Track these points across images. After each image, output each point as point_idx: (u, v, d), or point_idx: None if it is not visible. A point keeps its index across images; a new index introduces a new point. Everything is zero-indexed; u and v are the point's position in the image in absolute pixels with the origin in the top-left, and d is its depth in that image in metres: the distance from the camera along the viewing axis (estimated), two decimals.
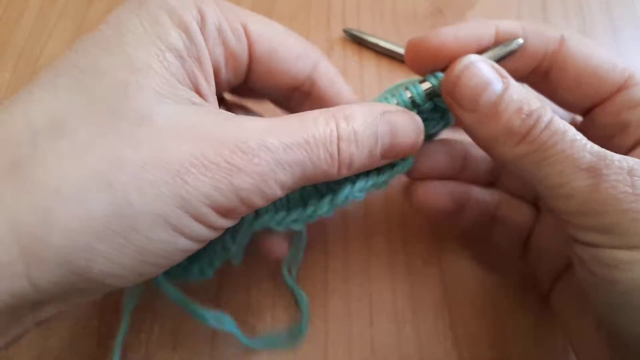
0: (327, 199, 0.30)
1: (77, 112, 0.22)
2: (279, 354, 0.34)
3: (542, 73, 0.30)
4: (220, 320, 0.32)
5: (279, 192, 0.25)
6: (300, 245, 0.35)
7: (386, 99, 0.29)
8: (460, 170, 0.34)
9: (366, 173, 0.30)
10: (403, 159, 0.30)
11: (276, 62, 0.30)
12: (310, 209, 0.30)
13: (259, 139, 0.23)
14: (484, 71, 0.26)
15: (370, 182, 0.30)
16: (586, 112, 0.30)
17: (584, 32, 0.48)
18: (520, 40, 0.29)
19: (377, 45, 0.46)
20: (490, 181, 0.35)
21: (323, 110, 0.26)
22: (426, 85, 0.29)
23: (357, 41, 0.47)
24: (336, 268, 0.37)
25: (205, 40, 0.26)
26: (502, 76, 0.26)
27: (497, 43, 0.29)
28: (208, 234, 0.24)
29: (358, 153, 0.26)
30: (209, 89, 0.26)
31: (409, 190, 0.34)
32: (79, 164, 0.21)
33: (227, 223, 0.25)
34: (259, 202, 0.24)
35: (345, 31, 0.47)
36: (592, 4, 0.49)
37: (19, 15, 0.49)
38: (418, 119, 0.29)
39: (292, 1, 0.49)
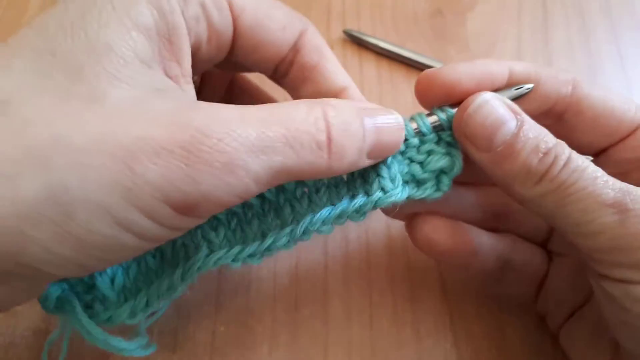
0: (286, 230, 0.28)
1: (26, 92, 0.20)
2: (279, 356, 0.34)
3: (555, 115, 0.29)
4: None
5: (252, 187, 0.22)
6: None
7: None
8: (460, 213, 0.32)
9: (332, 200, 0.28)
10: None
11: (261, 34, 0.29)
12: (268, 241, 0.28)
13: (226, 123, 0.21)
14: (498, 109, 0.26)
15: (337, 210, 0.27)
16: (600, 152, 0.30)
17: (584, 33, 0.48)
18: (532, 85, 0.28)
19: (376, 46, 0.46)
20: (494, 226, 0.33)
21: (305, 100, 0.24)
22: (433, 119, 0.28)
23: (357, 42, 0.47)
24: (336, 270, 0.37)
25: (186, 17, 0.25)
26: (516, 113, 0.26)
27: (509, 84, 0.28)
28: (163, 233, 0.22)
29: (350, 145, 0.24)
30: (180, 70, 0.25)
31: (410, 226, 0.32)
32: (16, 142, 0.19)
33: (189, 222, 0.22)
34: (226, 198, 0.21)
35: (345, 32, 0.47)
36: (592, 5, 0.49)
37: (20, 15, 0.49)
38: (400, 118, 0.27)
39: (292, 2, 0.49)
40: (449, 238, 0.30)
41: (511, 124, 0.25)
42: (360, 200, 0.27)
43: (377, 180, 0.28)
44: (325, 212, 0.27)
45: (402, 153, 0.29)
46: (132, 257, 0.22)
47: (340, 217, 0.28)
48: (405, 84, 0.45)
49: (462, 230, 0.31)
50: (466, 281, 0.36)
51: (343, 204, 0.28)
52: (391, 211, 0.31)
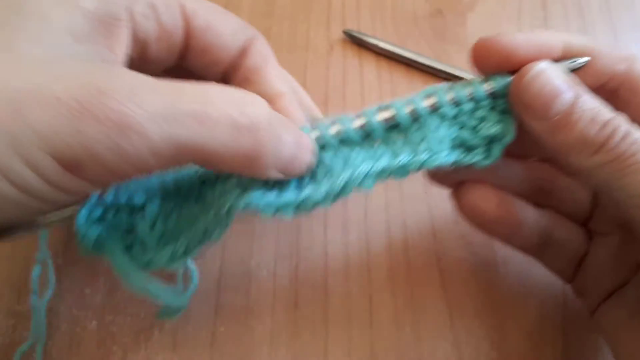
0: (325, 184, 0.27)
1: None
2: (279, 355, 0.34)
3: (609, 91, 0.29)
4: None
5: (148, 157, 0.20)
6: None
7: (440, 94, 0.28)
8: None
9: (369, 159, 0.28)
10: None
11: (212, 37, 0.29)
12: (305, 193, 0.27)
13: (134, 88, 0.20)
14: (556, 79, 0.26)
15: (379, 165, 0.27)
16: None
17: (584, 33, 0.48)
18: (587, 58, 0.28)
19: (376, 46, 0.46)
20: (537, 202, 0.33)
21: (240, 89, 0.24)
22: (489, 85, 0.28)
23: (357, 42, 0.47)
24: (336, 270, 0.37)
25: (133, 12, 0.25)
26: (573, 85, 0.26)
27: (565, 57, 0.28)
28: (51, 192, 0.20)
29: (272, 146, 0.23)
30: (114, 59, 0.25)
31: (457, 193, 0.32)
32: None
33: (79, 185, 0.21)
34: (114, 161, 0.20)
35: (345, 32, 0.47)
36: (592, 5, 0.49)
37: None
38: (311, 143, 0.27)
39: (292, 3, 0.49)
40: (496, 208, 0.30)
41: (568, 94, 0.26)
42: (405, 157, 0.27)
43: (425, 140, 0.28)
44: (366, 166, 0.27)
45: (454, 117, 0.29)
46: (17, 214, 0.21)
47: (382, 173, 0.28)
48: (405, 84, 0.45)
49: (509, 201, 0.31)
50: (466, 281, 0.36)
51: (385, 161, 0.27)
52: (436, 176, 0.31)
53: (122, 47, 0.25)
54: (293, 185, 0.28)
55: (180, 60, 0.30)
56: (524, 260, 0.36)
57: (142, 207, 0.29)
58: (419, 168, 0.28)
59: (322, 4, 0.49)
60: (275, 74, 0.31)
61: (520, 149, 0.30)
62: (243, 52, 0.31)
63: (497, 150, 0.29)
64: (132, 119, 0.19)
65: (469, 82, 0.29)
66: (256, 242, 0.38)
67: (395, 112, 0.28)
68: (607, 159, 0.25)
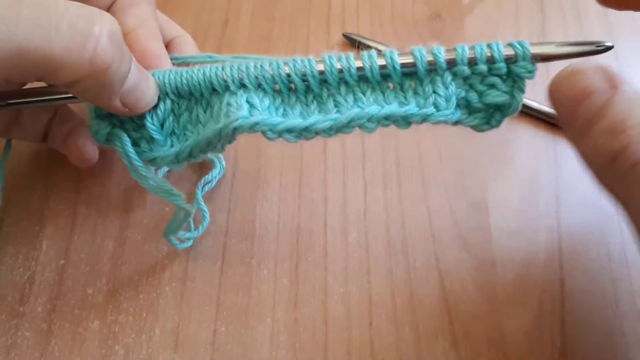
0: (331, 116, 0.28)
1: None
2: (280, 355, 0.34)
3: None
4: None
5: None
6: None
7: (459, 51, 0.28)
8: None
9: (379, 103, 0.29)
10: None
11: None
12: (311, 119, 0.28)
13: None
14: (592, 77, 0.23)
15: (385, 111, 0.28)
16: None
17: (581, 37, 0.48)
18: (611, 45, 0.26)
19: (376, 49, 0.46)
20: None
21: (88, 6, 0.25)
22: (509, 51, 0.28)
23: (356, 45, 0.47)
24: (336, 270, 0.37)
25: None
26: (612, 85, 0.23)
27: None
28: None
29: (117, 65, 0.24)
30: None
31: None
32: None
33: None
34: None
35: (345, 35, 0.47)
36: (589, 9, 0.50)
37: None
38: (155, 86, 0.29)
39: (292, 6, 0.50)
40: None
41: (601, 96, 0.23)
42: (411, 108, 0.28)
43: (432, 96, 0.28)
44: (374, 109, 0.28)
45: (465, 78, 0.29)
46: None
47: (387, 119, 0.29)
48: None
49: None
50: (465, 281, 0.37)
51: (392, 107, 0.28)
52: None
53: None
54: (298, 111, 0.29)
55: None
56: (522, 260, 0.36)
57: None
58: (422, 121, 0.29)
59: (322, 7, 0.50)
60: (136, 12, 0.32)
61: None
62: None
63: (497, 119, 0.29)
64: None
65: (489, 45, 0.28)
66: (257, 241, 0.38)
67: (414, 60, 0.28)
68: (616, 178, 0.22)
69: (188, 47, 0.37)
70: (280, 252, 0.38)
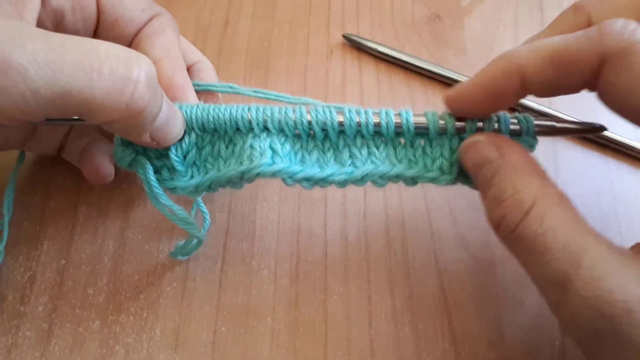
0: (347, 169, 0.30)
1: None
2: (280, 355, 0.34)
3: None
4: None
5: (31, 100, 0.22)
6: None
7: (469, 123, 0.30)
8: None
9: (390, 159, 0.31)
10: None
11: (121, 11, 0.31)
12: (328, 171, 0.30)
13: (18, 32, 0.21)
14: (485, 147, 0.27)
15: (395, 170, 0.31)
16: None
17: None
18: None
19: (375, 50, 0.46)
20: None
21: (132, 49, 0.26)
22: (514, 125, 0.30)
23: (356, 46, 0.47)
24: (336, 270, 0.37)
25: None
26: (502, 154, 0.26)
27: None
28: None
29: (153, 104, 0.26)
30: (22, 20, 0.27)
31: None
32: None
33: None
34: None
35: (345, 36, 0.48)
36: None
37: None
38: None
39: (293, 7, 0.50)
40: None
41: (490, 167, 0.26)
42: (418, 170, 0.30)
43: (440, 159, 0.30)
44: (385, 167, 0.30)
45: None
46: None
47: (397, 178, 0.31)
48: (403, 88, 0.46)
49: None
50: (464, 281, 0.37)
51: (401, 167, 0.30)
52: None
53: (32, 13, 0.26)
54: (315, 157, 0.31)
55: (96, 33, 0.32)
56: None
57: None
58: (430, 182, 0.31)
59: (322, 8, 0.50)
60: (162, 41, 0.33)
61: None
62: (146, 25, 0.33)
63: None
64: (14, 61, 0.21)
65: (499, 117, 0.30)
66: (257, 242, 0.38)
67: (427, 122, 0.30)
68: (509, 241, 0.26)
69: (208, 72, 0.38)
70: (280, 252, 0.38)
